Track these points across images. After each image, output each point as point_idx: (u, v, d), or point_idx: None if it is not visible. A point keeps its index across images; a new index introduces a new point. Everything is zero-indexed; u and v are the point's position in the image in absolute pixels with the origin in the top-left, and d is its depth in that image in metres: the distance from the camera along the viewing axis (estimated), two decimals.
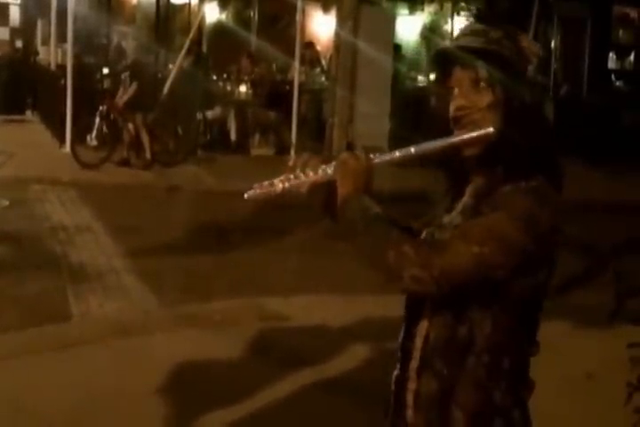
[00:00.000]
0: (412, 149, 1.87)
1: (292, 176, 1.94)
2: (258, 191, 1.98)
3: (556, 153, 1.89)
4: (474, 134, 1.82)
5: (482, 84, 1.83)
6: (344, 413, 4.23)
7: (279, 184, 1.94)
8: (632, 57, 18.36)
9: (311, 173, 1.92)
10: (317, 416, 4.21)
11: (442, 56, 1.89)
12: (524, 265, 1.77)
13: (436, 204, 2.02)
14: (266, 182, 1.97)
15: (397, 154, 1.88)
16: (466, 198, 1.90)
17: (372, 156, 1.88)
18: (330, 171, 1.90)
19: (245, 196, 2.00)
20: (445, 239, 1.78)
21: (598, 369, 4.69)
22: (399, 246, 1.75)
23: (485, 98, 1.83)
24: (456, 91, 1.86)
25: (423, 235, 1.95)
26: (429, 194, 2.06)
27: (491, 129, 1.81)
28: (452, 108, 1.87)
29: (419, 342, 1.89)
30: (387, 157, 1.88)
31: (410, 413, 1.90)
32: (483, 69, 1.82)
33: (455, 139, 1.85)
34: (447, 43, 1.92)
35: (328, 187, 1.93)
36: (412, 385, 1.89)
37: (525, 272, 1.79)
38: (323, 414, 4.24)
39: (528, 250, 1.76)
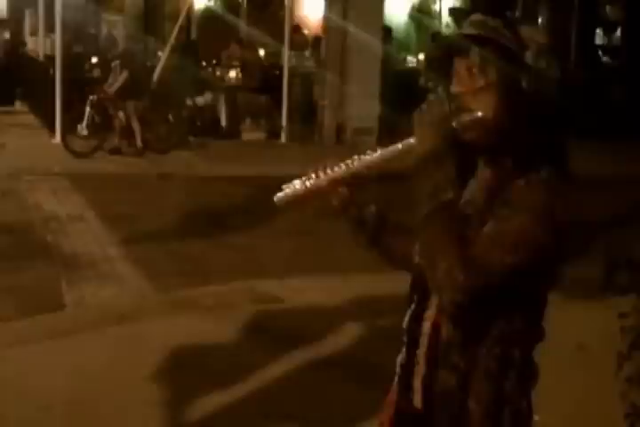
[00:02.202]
0: (399, 146, 1.88)
1: (313, 175, 2.00)
2: (287, 191, 2.02)
3: (562, 141, 1.88)
4: (466, 119, 1.81)
5: (474, 69, 1.83)
6: (341, 392, 4.25)
7: (306, 182, 2.00)
8: (619, 32, 18.32)
9: (329, 171, 1.97)
10: (314, 396, 4.23)
11: (444, 52, 1.91)
12: (544, 261, 1.79)
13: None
14: (294, 181, 2.03)
15: (400, 146, 1.88)
16: (475, 188, 1.89)
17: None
18: (352, 164, 1.94)
19: (275, 199, 2.04)
20: (476, 253, 1.74)
21: (589, 340, 4.72)
22: (438, 263, 1.74)
23: (478, 82, 1.83)
24: (455, 77, 1.87)
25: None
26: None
27: (479, 113, 1.81)
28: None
29: (426, 327, 1.89)
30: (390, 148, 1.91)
31: (417, 397, 1.90)
32: (475, 56, 1.82)
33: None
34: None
35: (348, 187, 2.00)
36: (419, 370, 1.90)
37: (546, 268, 1.81)
38: (320, 394, 4.26)
39: (553, 248, 1.78)
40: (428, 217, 1.77)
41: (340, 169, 1.96)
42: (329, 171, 1.97)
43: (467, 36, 1.85)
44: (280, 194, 2.03)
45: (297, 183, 2.01)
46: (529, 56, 1.85)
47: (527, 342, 1.87)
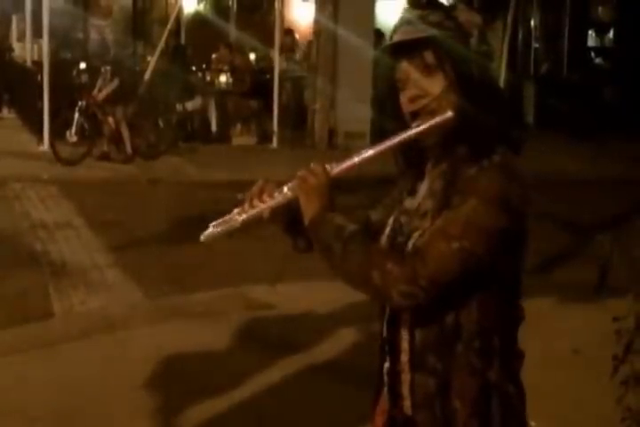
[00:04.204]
0: (371, 151, 1.83)
1: (246, 206, 1.88)
2: (217, 230, 1.91)
3: (516, 125, 1.87)
4: (433, 122, 1.78)
5: (431, 69, 1.79)
6: (333, 397, 4.21)
7: (237, 217, 1.88)
8: (611, 34, 18.41)
9: (268, 199, 1.87)
10: (307, 402, 4.20)
11: (388, 51, 1.85)
12: (504, 245, 1.75)
13: (394, 186, 1.98)
14: (222, 219, 1.90)
15: (356, 159, 1.84)
16: (431, 181, 1.86)
17: (328, 167, 1.83)
18: (288, 192, 1.85)
19: (202, 238, 1.93)
20: (424, 243, 1.74)
21: (584, 343, 4.71)
22: (382, 265, 1.71)
23: (438, 83, 1.79)
24: (405, 81, 1.82)
25: (390, 222, 1.92)
26: (388, 176, 2.00)
27: (450, 113, 1.77)
28: (404, 100, 1.83)
29: (404, 333, 1.85)
30: (345, 164, 1.84)
31: (407, 404, 1.87)
32: (429, 56, 1.78)
33: (414, 131, 1.80)
34: (391, 36, 1.84)
35: (289, 208, 1.88)
36: (405, 377, 1.86)
37: (506, 251, 1.77)
38: (312, 399, 4.23)
39: (507, 230, 1.74)
40: (342, 246, 1.75)
41: (280, 195, 1.86)
42: (266, 198, 1.87)
43: (414, 41, 1.78)
44: (209, 232, 1.91)
45: (229, 219, 1.89)
46: (472, 42, 1.82)
47: (506, 327, 1.84)
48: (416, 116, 1.82)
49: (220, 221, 1.91)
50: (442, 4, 1.84)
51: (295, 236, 1.98)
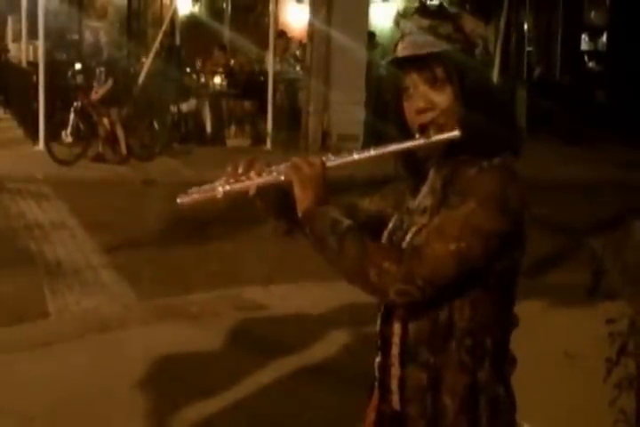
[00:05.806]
0: (373, 152, 1.83)
1: (231, 179, 1.87)
2: (195, 196, 1.90)
3: (517, 128, 1.89)
4: (439, 138, 1.79)
5: (440, 83, 1.80)
6: (326, 398, 4.22)
7: (219, 188, 1.86)
8: (604, 38, 18.46)
9: (255, 177, 1.86)
10: (299, 403, 4.20)
11: (397, 62, 1.85)
12: (502, 247, 1.76)
13: (398, 188, 1.99)
14: (205, 186, 1.89)
15: (355, 156, 1.84)
16: (433, 181, 1.88)
17: (324, 159, 1.83)
18: (280, 174, 1.84)
19: (179, 201, 1.91)
20: (422, 243, 1.74)
21: (577, 346, 4.70)
22: (379, 264, 1.72)
23: (446, 96, 1.80)
24: (412, 91, 1.83)
25: (392, 222, 1.93)
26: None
27: (457, 132, 1.78)
28: (410, 110, 1.83)
29: (397, 327, 1.87)
30: (343, 159, 1.84)
31: (395, 398, 1.88)
32: (439, 70, 1.79)
33: (419, 142, 1.82)
34: (399, 47, 1.85)
35: (277, 190, 1.88)
36: (395, 371, 1.88)
37: (503, 253, 1.78)
38: (305, 400, 4.23)
39: (504, 232, 1.75)
40: (338, 241, 1.75)
41: (270, 175, 1.85)
42: (253, 175, 1.86)
43: (424, 55, 1.79)
44: (188, 197, 1.90)
45: (211, 188, 1.87)
46: (477, 52, 1.84)
47: (499, 329, 1.85)
48: (424, 128, 1.82)
49: (199, 188, 1.90)
50: (449, 13, 1.85)
51: (277, 218, 1.97)
